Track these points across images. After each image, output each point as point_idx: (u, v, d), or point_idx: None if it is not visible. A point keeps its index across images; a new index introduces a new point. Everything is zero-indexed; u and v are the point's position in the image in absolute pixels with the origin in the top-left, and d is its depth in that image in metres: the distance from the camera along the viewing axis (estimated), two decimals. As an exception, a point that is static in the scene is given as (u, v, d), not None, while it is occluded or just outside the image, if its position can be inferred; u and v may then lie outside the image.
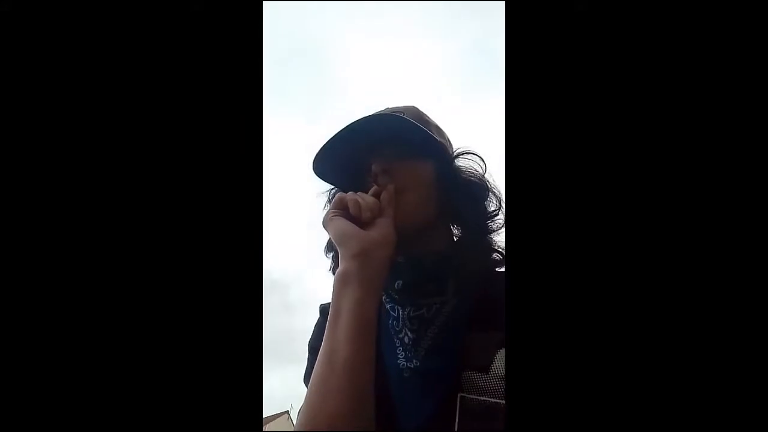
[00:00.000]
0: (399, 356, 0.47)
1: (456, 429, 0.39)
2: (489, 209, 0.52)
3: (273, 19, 10.94)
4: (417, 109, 0.54)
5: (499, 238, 0.52)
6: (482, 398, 0.40)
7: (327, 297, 0.48)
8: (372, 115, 0.49)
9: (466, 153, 0.54)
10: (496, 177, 0.53)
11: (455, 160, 0.53)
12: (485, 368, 0.41)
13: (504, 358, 0.41)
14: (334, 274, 0.49)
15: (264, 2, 0.34)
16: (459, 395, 0.41)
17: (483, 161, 0.53)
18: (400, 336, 0.48)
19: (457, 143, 0.55)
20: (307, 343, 0.55)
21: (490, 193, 0.52)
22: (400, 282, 0.48)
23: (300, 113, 12.85)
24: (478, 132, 9.47)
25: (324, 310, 0.54)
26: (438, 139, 0.50)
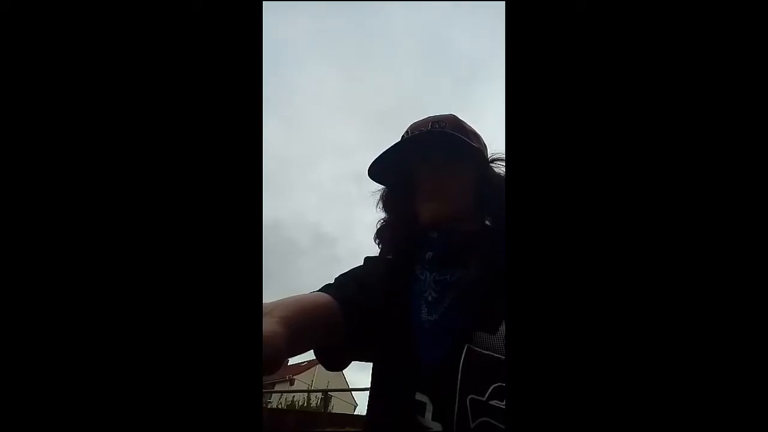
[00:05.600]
0: (422, 312, 0.56)
1: (459, 374, 0.46)
2: None
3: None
4: (455, 117, 0.64)
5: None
6: (486, 352, 0.47)
7: (374, 251, 0.67)
8: (421, 133, 0.61)
9: (499, 158, 0.65)
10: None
11: (491, 163, 0.64)
12: (493, 330, 0.49)
13: None
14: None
15: (264, 2, 0.34)
16: (466, 345, 0.48)
17: None
18: (425, 295, 0.57)
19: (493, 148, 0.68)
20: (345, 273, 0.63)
21: None
22: (431, 253, 0.59)
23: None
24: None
25: (369, 260, 0.66)
26: (475, 145, 0.61)
